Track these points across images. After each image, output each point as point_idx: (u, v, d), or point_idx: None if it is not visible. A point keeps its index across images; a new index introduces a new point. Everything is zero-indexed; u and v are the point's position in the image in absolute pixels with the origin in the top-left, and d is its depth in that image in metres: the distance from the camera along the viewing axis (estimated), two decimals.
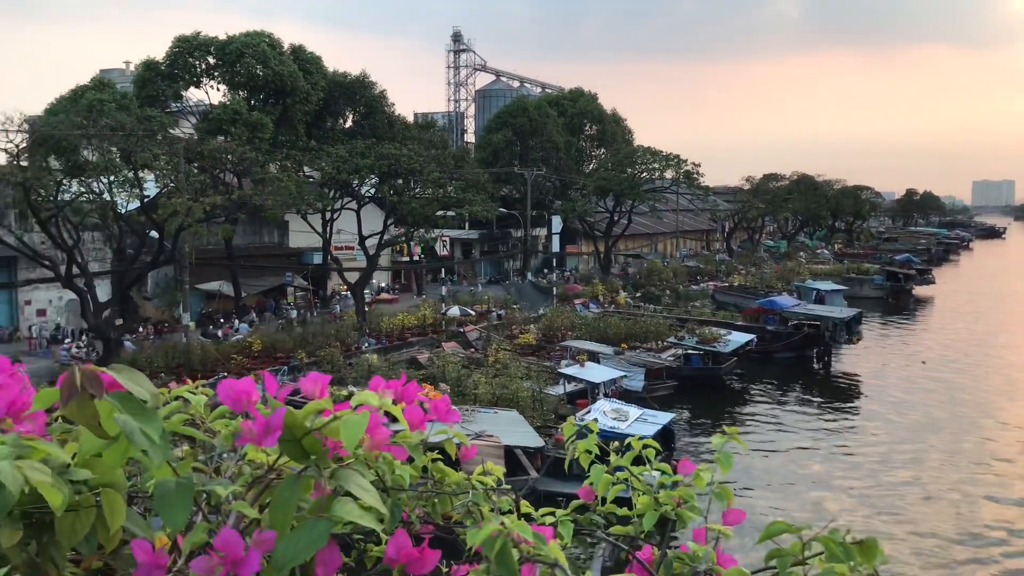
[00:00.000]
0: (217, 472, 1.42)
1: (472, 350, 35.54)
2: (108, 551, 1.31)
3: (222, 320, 37.99)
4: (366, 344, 34.56)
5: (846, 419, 30.55)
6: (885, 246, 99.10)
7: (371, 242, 38.39)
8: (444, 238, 49.56)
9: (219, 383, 1.13)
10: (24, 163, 28.63)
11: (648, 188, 60.66)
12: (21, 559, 1.19)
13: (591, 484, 1.70)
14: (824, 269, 69.34)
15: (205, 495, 1.09)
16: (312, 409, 1.10)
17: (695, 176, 60.04)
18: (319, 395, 1.11)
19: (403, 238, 42.62)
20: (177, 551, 1.13)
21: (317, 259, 43.87)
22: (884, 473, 23.95)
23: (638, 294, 53.39)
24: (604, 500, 1.72)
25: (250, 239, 43.98)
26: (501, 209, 51.96)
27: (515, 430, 20.93)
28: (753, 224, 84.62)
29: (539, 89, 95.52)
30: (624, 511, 1.73)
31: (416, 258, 52.10)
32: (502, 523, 1.12)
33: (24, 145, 29.27)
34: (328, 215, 40.27)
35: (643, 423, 21.70)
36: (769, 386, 35.10)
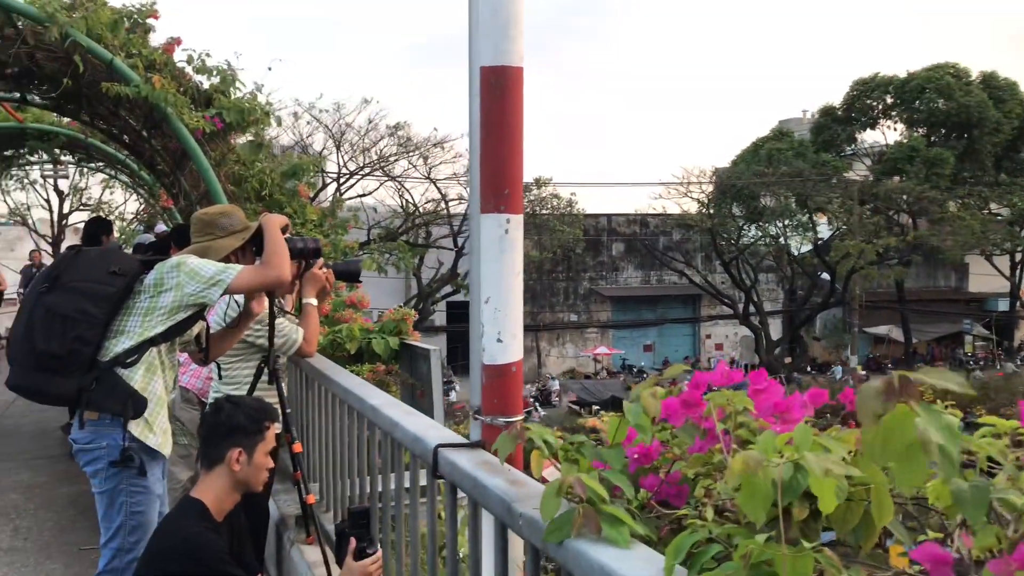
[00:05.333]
0: None
1: None
2: (867, 548, 1.39)
3: (890, 366, 36.77)
4: None
5: None
6: None
7: None
8: None
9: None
10: (711, 211, 32.32)
11: None
12: (793, 535, 1.34)
13: None
14: None
15: (997, 501, 1.09)
16: None
17: None
18: None
19: None
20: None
21: (1003, 305, 39.54)
22: None
23: None
24: None
25: (923, 282, 41.80)
26: None
27: None
28: None
29: None
30: None
31: None
32: None
33: (712, 194, 33.08)
34: (1018, 256, 36.01)
35: None
36: None
